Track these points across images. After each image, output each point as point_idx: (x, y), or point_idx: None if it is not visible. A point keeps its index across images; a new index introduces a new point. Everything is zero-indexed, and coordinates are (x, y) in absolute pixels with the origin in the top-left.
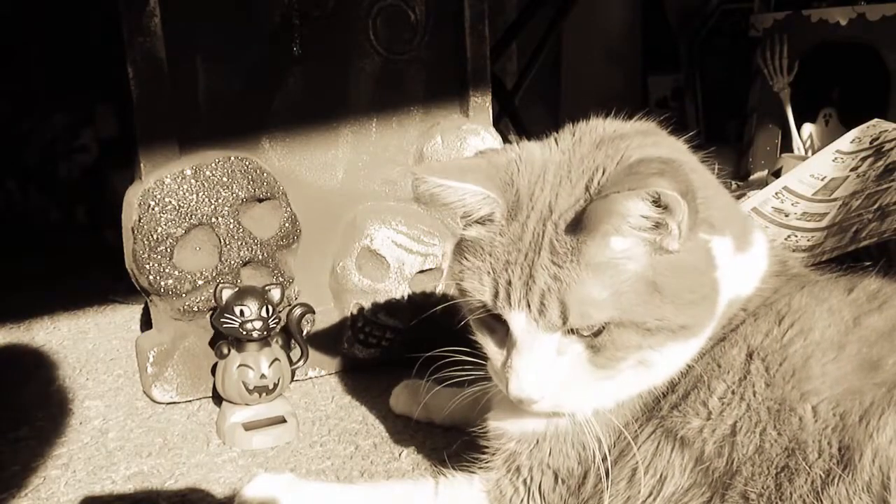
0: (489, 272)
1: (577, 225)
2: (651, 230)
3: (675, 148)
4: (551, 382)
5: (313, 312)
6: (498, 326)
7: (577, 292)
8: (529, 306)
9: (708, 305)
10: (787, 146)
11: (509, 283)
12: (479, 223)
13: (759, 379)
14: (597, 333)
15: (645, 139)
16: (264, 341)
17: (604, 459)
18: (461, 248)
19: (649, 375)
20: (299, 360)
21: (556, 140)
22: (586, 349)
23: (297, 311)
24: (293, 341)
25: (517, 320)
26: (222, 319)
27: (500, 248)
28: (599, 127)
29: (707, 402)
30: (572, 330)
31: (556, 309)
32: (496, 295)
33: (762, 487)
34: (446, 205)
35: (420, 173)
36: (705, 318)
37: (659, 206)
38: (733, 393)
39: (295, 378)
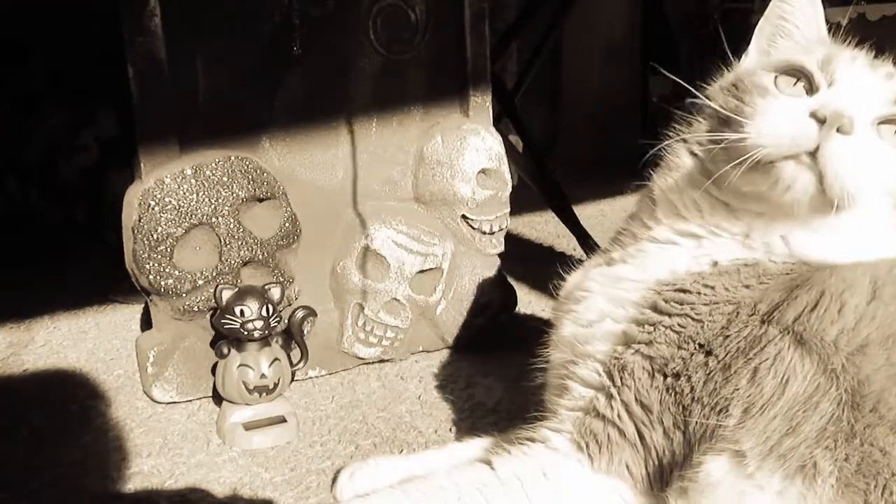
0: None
1: None
2: None
3: None
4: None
5: (315, 315)
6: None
7: None
8: None
9: None
10: None
11: None
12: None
13: (891, 300)
14: None
15: None
16: (264, 341)
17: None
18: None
19: None
20: (300, 361)
21: None
22: None
23: (300, 314)
24: (293, 343)
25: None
26: (223, 321)
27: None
28: None
29: (843, 312)
30: None
31: None
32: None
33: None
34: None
35: None
36: None
37: None
38: (865, 309)
39: (295, 378)
